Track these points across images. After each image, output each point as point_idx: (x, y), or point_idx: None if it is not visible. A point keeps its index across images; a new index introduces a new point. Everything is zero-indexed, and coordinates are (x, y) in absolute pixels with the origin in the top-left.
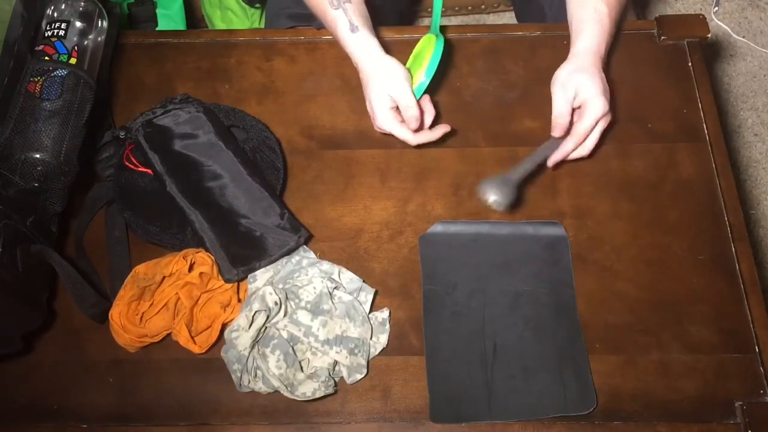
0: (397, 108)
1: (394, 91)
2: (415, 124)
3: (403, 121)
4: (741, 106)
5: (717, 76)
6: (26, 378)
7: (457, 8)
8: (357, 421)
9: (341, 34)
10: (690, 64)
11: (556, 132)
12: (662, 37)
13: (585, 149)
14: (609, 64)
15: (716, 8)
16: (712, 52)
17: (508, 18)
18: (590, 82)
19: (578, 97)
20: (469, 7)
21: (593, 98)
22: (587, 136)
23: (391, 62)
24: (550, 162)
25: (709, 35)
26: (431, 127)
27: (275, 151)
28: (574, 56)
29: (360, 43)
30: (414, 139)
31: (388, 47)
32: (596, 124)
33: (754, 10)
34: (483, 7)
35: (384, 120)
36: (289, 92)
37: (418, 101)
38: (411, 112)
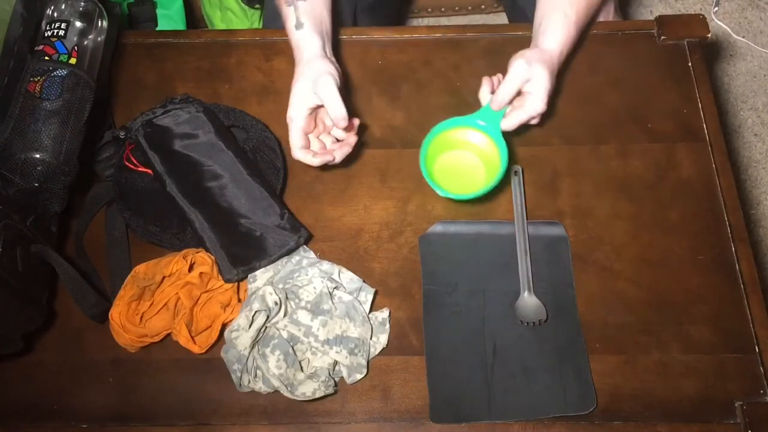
0: (314, 112)
1: (318, 87)
2: (342, 124)
3: (308, 130)
4: (741, 106)
5: (717, 76)
6: (26, 378)
7: (457, 8)
8: (357, 421)
9: (288, 29)
10: (690, 64)
11: (495, 106)
12: (662, 37)
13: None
14: (609, 64)
15: (716, 8)
16: (712, 52)
17: (507, 17)
18: (545, 80)
19: (529, 84)
20: (469, 7)
21: (539, 97)
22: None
23: (324, 62)
24: (505, 126)
25: (709, 35)
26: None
27: (275, 151)
28: (538, 49)
29: (301, 39)
30: (297, 152)
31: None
32: (527, 119)
33: (754, 10)
34: (483, 7)
35: (294, 112)
36: (289, 92)
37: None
38: (334, 111)
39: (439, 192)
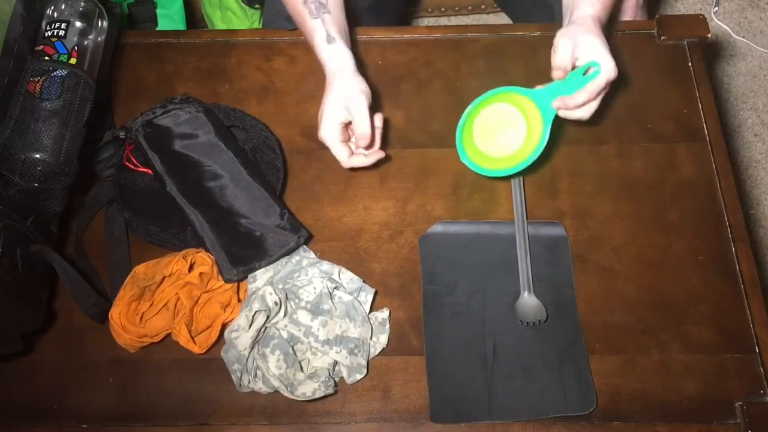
0: (346, 126)
1: (351, 105)
2: (364, 143)
3: (345, 140)
4: (741, 106)
5: (717, 76)
6: (26, 378)
7: (457, 8)
8: (357, 421)
9: (317, 43)
10: (690, 64)
11: (558, 75)
12: (662, 37)
13: (588, 111)
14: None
15: (716, 8)
16: (712, 52)
17: (508, 18)
18: (598, 43)
19: (584, 57)
20: (469, 7)
21: (604, 60)
22: (597, 95)
23: (358, 80)
24: (556, 104)
25: (709, 35)
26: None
27: (275, 151)
28: (574, 23)
29: (334, 54)
30: (348, 162)
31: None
32: (606, 86)
33: (754, 10)
34: (483, 7)
35: (327, 132)
36: (289, 92)
37: (371, 118)
38: (362, 129)
39: (475, 169)
